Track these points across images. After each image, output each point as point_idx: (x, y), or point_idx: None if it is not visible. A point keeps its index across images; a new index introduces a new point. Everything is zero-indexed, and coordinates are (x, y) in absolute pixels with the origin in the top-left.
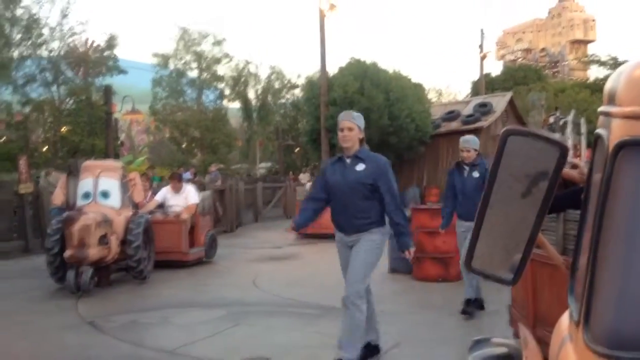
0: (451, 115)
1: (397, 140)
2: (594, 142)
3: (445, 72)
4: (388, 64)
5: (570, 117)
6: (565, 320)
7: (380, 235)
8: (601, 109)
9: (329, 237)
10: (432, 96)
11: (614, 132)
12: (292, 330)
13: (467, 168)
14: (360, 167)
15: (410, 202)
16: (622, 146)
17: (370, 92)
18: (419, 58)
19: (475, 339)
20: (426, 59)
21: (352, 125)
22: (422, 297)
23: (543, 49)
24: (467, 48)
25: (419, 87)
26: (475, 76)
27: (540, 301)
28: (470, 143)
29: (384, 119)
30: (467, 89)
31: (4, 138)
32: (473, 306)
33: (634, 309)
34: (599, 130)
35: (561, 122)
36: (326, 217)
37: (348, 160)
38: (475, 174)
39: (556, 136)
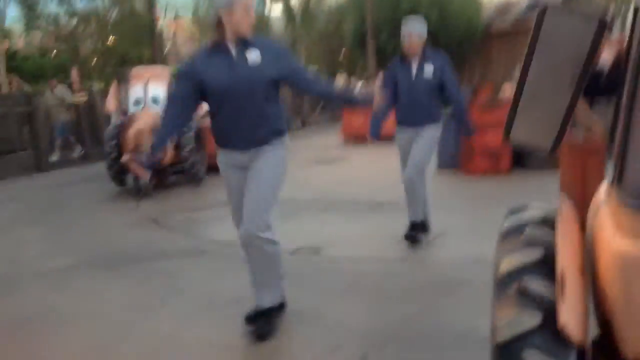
0: (503, 13)
1: (446, 38)
2: (634, 14)
3: None
4: None
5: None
6: (602, 188)
7: (284, 149)
8: None
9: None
10: None
11: None
12: (341, 224)
13: (415, 64)
14: None
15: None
16: None
17: None
18: None
19: (513, 207)
20: None
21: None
22: (470, 190)
23: None
24: None
25: None
26: None
27: (589, 188)
28: (416, 26)
29: (432, 15)
30: None
31: (55, 51)
32: (419, 229)
33: None
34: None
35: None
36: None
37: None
38: (427, 73)
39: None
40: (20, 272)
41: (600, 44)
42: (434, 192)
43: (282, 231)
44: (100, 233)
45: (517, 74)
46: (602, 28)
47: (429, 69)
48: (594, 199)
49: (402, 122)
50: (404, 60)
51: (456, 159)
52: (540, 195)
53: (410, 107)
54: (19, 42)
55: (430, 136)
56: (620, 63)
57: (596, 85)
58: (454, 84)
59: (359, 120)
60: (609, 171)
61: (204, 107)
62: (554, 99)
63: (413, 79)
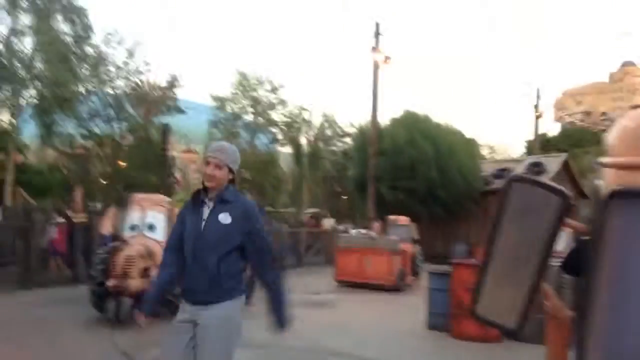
0: (503, 173)
1: (446, 194)
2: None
3: (500, 129)
4: (441, 118)
5: None
6: None
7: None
8: (598, 159)
9: (370, 286)
10: (484, 152)
11: (606, 182)
12: None
13: (210, 202)
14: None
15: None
16: (613, 195)
17: (420, 143)
18: (473, 113)
19: None
20: (480, 115)
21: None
22: (458, 357)
23: (603, 113)
24: (524, 107)
25: (471, 142)
26: (531, 135)
27: None
28: (223, 152)
29: (432, 170)
30: (521, 148)
31: (64, 170)
32: None
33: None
34: (596, 181)
35: None
36: (367, 267)
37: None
38: (225, 217)
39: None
40: None
41: (564, 219)
42: (421, 354)
43: None
44: None
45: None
46: (567, 202)
47: (225, 217)
48: None
49: (184, 294)
50: (196, 198)
51: (447, 319)
52: None
53: (192, 270)
54: (32, 157)
55: (221, 335)
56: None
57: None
58: (265, 251)
59: (353, 264)
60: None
61: None
62: (518, 275)
63: (202, 228)
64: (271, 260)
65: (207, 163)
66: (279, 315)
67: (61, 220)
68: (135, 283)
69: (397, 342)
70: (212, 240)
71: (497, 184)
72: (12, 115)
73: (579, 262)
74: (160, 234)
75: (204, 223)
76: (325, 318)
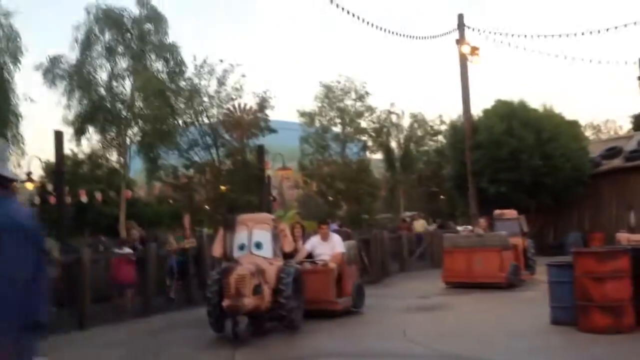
0: (612, 152)
1: (553, 182)
2: None
3: (602, 107)
4: (537, 103)
5: None
6: None
7: None
8: None
9: (481, 286)
10: (589, 133)
11: None
12: None
13: None
14: None
15: (572, 248)
16: None
17: (519, 132)
18: (572, 93)
19: None
20: (580, 94)
21: None
22: (589, 351)
23: None
24: (626, 81)
25: (573, 124)
26: (637, 110)
27: None
28: None
29: (535, 159)
30: (627, 124)
31: (171, 200)
32: None
33: None
34: None
35: None
36: (477, 266)
37: None
38: None
39: None
40: None
41: None
42: (549, 351)
43: None
44: None
45: (631, 220)
46: None
47: None
48: None
49: None
50: None
51: (572, 313)
52: None
53: None
54: (140, 192)
55: None
56: None
57: None
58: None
59: (461, 264)
60: None
61: (304, 252)
62: None
63: None
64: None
65: None
66: None
67: (125, 250)
68: (249, 301)
69: (522, 341)
70: None
71: (608, 165)
72: (120, 153)
73: None
74: (267, 251)
75: None
76: (439, 322)
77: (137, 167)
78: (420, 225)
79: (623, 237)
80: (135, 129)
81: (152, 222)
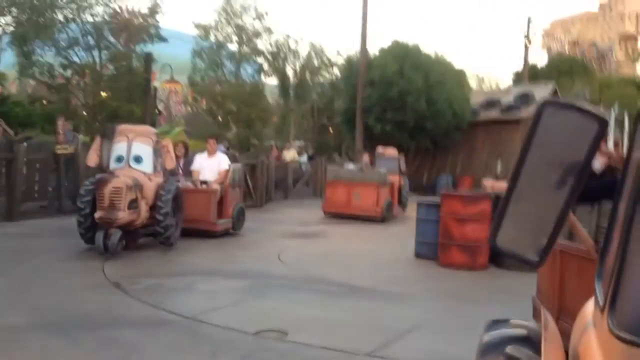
0: (491, 103)
1: (434, 126)
2: (635, 120)
3: (488, 59)
4: (431, 48)
5: (613, 113)
6: (589, 307)
7: None
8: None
9: (356, 218)
10: (472, 84)
11: None
12: (311, 306)
13: None
14: None
15: (442, 189)
16: None
17: (410, 74)
18: (462, 43)
19: (493, 320)
20: (469, 45)
21: None
22: (446, 283)
23: (592, 42)
24: (512, 37)
25: (460, 73)
26: (520, 67)
27: (567, 293)
28: None
29: (421, 102)
30: (509, 80)
31: (45, 101)
32: None
33: None
34: None
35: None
36: (355, 199)
37: None
38: None
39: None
40: None
41: (599, 145)
42: (409, 281)
43: (247, 309)
44: (59, 293)
45: (498, 169)
46: (603, 128)
47: None
48: (578, 318)
49: None
50: None
51: (434, 248)
52: (516, 297)
53: None
54: (11, 87)
55: None
56: (613, 170)
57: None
58: None
59: (341, 197)
60: (599, 293)
61: (196, 174)
62: (545, 204)
63: None
64: None
65: None
66: None
67: None
68: (123, 214)
69: (386, 270)
70: None
71: (485, 115)
72: None
73: (602, 190)
74: (147, 166)
75: None
76: (313, 249)
77: (8, 61)
78: (290, 155)
79: (488, 183)
80: (8, 18)
81: (23, 122)
